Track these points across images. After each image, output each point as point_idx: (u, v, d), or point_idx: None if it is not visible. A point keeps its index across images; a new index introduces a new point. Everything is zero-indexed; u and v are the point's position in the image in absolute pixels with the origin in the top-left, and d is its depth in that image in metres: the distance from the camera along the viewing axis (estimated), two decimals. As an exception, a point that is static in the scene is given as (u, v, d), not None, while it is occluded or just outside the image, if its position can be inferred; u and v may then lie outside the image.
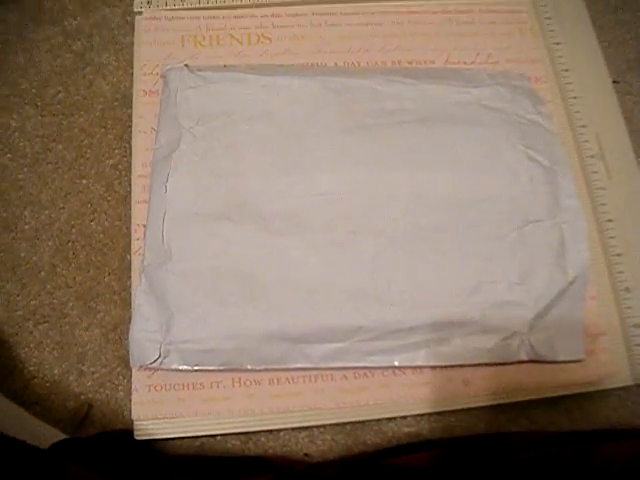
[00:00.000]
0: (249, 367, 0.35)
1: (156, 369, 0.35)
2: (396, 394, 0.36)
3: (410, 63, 0.43)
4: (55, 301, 0.38)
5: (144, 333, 0.35)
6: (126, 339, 0.37)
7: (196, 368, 0.35)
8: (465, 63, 0.44)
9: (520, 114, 0.40)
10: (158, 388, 0.36)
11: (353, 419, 0.36)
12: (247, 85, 0.40)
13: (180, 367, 0.35)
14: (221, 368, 0.35)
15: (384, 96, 0.40)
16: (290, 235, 0.37)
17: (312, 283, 0.36)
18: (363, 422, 0.37)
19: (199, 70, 0.41)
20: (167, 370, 0.35)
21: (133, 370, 0.36)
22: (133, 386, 0.35)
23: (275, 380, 0.36)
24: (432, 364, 0.36)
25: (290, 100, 0.40)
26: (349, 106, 0.40)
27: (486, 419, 0.37)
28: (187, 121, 0.39)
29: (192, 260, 0.36)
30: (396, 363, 0.36)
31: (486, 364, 0.36)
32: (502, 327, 0.36)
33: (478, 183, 0.38)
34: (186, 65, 0.41)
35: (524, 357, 0.36)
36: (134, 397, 0.35)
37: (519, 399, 0.37)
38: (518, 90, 0.41)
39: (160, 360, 0.35)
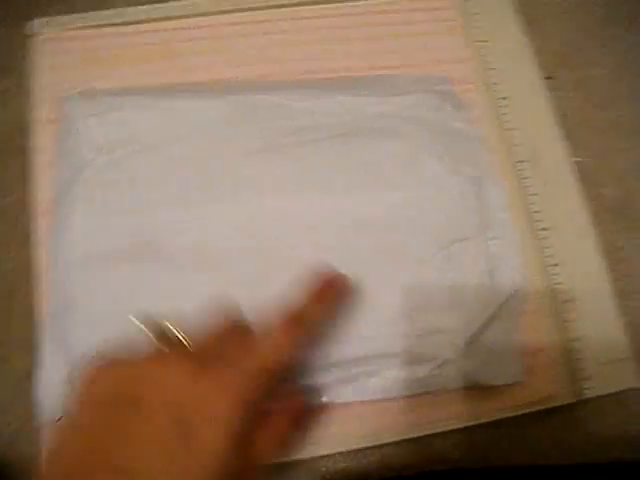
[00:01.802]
0: None
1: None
2: (327, 430, 0.34)
3: (331, 72, 0.40)
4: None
5: (51, 386, 0.33)
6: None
7: None
8: (389, 67, 0.41)
9: (444, 122, 0.38)
10: None
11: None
12: (151, 110, 0.38)
13: None
14: None
15: (297, 112, 0.38)
16: (202, 271, 0.34)
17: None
18: (297, 461, 0.34)
19: (100, 96, 0.38)
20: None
21: (41, 429, 0.33)
22: (43, 447, 0.33)
23: None
24: (361, 399, 0.34)
25: (197, 124, 0.37)
26: (259, 126, 0.37)
27: (422, 449, 0.35)
28: (89, 152, 0.36)
29: (98, 306, 0.33)
30: (324, 399, 0.34)
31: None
32: (433, 355, 0.34)
33: (401, 202, 0.36)
34: (85, 91, 0.38)
35: (460, 384, 0.34)
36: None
37: (460, 425, 0.35)
38: (442, 96, 0.39)
39: None
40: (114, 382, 0.25)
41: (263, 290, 0.33)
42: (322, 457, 0.35)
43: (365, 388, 0.34)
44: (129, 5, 0.42)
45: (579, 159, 0.41)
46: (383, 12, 0.42)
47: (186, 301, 0.33)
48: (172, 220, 0.35)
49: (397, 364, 0.34)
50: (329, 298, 0.31)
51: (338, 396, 0.34)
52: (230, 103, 0.38)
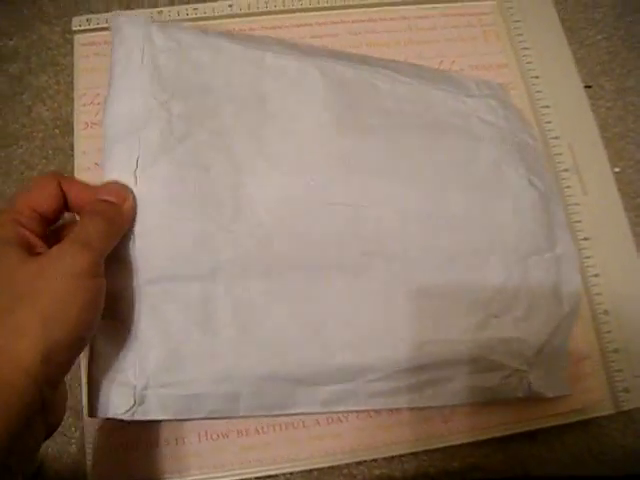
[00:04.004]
0: (242, 414, 0.31)
1: (120, 422, 0.31)
2: (372, 437, 0.34)
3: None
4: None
5: (110, 374, 0.29)
6: (78, 385, 0.34)
7: (179, 417, 0.31)
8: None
9: (514, 133, 0.38)
10: (118, 445, 0.33)
11: (321, 465, 0.34)
12: (232, 57, 0.33)
13: (160, 417, 0.30)
14: (210, 416, 0.31)
15: (384, 94, 0.36)
16: (292, 254, 0.32)
17: (319, 315, 0.32)
18: (332, 467, 0.34)
19: (169, 28, 0.33)
20: (136, 421, 0.30)
21: (87, 424, 0.33)
22: (89, 444, 0.33)
23: (244, 431, 0.33)
24: (436, 404, 0.33)
25: (286, 86, 0.34)
26: (348, 101, 0.35)
27: (460, 456, 0.35)
28: (159, 93, 0.31)
29: (177, 278, 0.30)
30: (405, 405, 0.33)
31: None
32: (506, 364, 0.33)
33: (487, 207, 0.35)
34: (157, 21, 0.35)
35: (520, 395, 0.34)
36: (92, 457, 0.32)
37: (498, 434, 0.35)
38: (507, 106, 0.39)
39: (134, 409, 0.29)
40: None
41: (360, 281, 0.33)
42: (359, 463, 0.35)
43: (440, 394, 0.33)
44: (172, 4, 0.42)
45: (618, 169, 0.41)
46: (427, 17, 0.42)
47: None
48: (260, 186, 0.32)
49: (472, 371, 0.33)
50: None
51: (413, 401, 0.33)
52: (322, 70, 0.35)
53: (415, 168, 0.34)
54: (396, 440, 0.34)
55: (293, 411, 0.32)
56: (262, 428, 0.34)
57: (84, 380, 0.30)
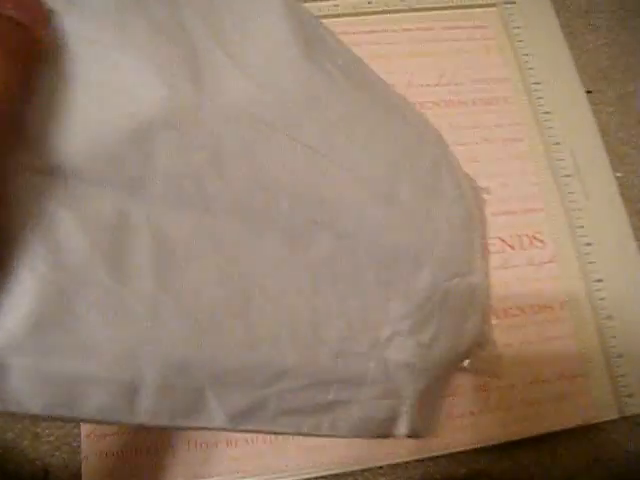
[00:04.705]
0: (138, 421, 0.19)
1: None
2: (373, 444, 0.34)
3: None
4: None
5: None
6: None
7: (50, 413, 0.17)
8: (429, 85, 0.41)
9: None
10: (111, 454, 0.33)
11: (325, 473, 0.34)
12: None
13: (23, 406, 0.17)
14: (91, 417, 0.18)
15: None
16: (240, 188, 0.23)
17: (248, 281, 0.23)
18: (336, 475, 0.34)
19: None
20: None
21: (82, 433, 0.33)
22: (83, 453, 0.33)
23: (233, 442, 0.33)
24: (333, 434, 0.26)
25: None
26: (313, 38, 0.28)
27: (466, 462, 0.35)
28: None
29: (89, 178, 0.19)
30: (305, 431, 0.25)
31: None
32: (396, 394, 0.28)
33: (429, 209, 0.30)
34: None
35: (396, 432, 0.28)
36: (84, 467, 0.33)
37: (503, 441, 0.35)
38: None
39: None
40: None
41: (299, 254, 0.25)
42: (363, 470, 0.35)
43: (336, 422, 0.26)
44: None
45: (620, 174, 0.41)
46: (428, 28, 0.42)
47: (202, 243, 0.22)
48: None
49: (369, 396, 0.27)
50: None
51: (311, 427, 0.25)
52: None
53: (374, 139, 0.28)
54: (397, 447, 0.34)
55: (196, 424, 0.22)
56: (251, 439, 0.33)
57: None
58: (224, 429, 0.23)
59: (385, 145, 0.29)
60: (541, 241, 0.38)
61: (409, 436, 0.28)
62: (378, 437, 0.28)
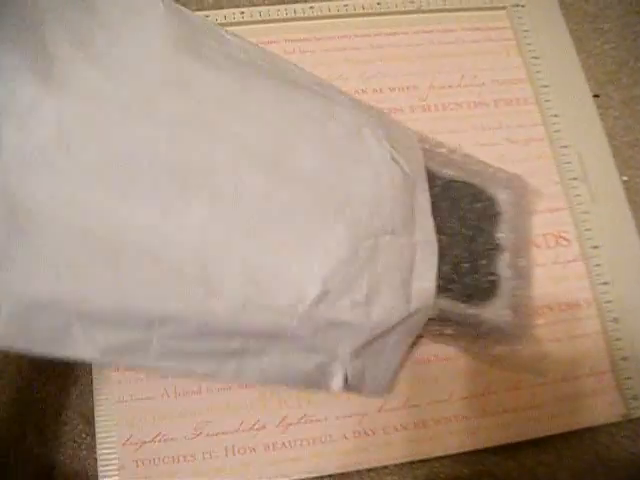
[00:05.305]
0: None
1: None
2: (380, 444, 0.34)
3: (392, 90, 0.41)
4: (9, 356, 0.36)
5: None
6: (90, 391, 0.34)
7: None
8: (450, 87, 0.41)
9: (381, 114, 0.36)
10: (147, 463, 0.33)
11: (332, 472, 0.34)
12: None
13: None
14: None
15: (233, 45, 0.32)
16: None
17: (121, 232, 0.25)
18: (343, 474, 0.35)
19: None
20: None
21: (118, 443, 0.33)
22: (119, 463, 0.33)
23: (271, 446, 0.34)
24: (237, 381, 0.31)
25: None
26: (191, 32, 0.30)
27: (471, 463, 0.35)
28: None
29: None
30: (200, 372, 0.28)
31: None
32: (328, 349, 0.30)
33: (342, 170, 0.31)
34: None
35: (333, 386, 0.30)
36: (121, 475, 0.33)
37: (508, 441, 0.35)
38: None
39: None
40: None
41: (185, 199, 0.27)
42: (369, 470, 0.35)
43: (242, 369, 0.29)
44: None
45: (626, 177, 0.41)
46: (449, 30, 0.42)
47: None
48: None
49: (290, 349, 0.29)
50: None
51: (208, 370, 0.28)
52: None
53: (260, 111, 0.30)
54: (401, 447, 0.34)
55: (62, 352, 0.25)
56: (289, 443, 0.34)
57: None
58: (97, 360, 0.27)
59: (277, 117, 0.30)
60: (567, 240, 0.38)
61: (350, 392, 0.30)
62: (313, 388, 0.31)
